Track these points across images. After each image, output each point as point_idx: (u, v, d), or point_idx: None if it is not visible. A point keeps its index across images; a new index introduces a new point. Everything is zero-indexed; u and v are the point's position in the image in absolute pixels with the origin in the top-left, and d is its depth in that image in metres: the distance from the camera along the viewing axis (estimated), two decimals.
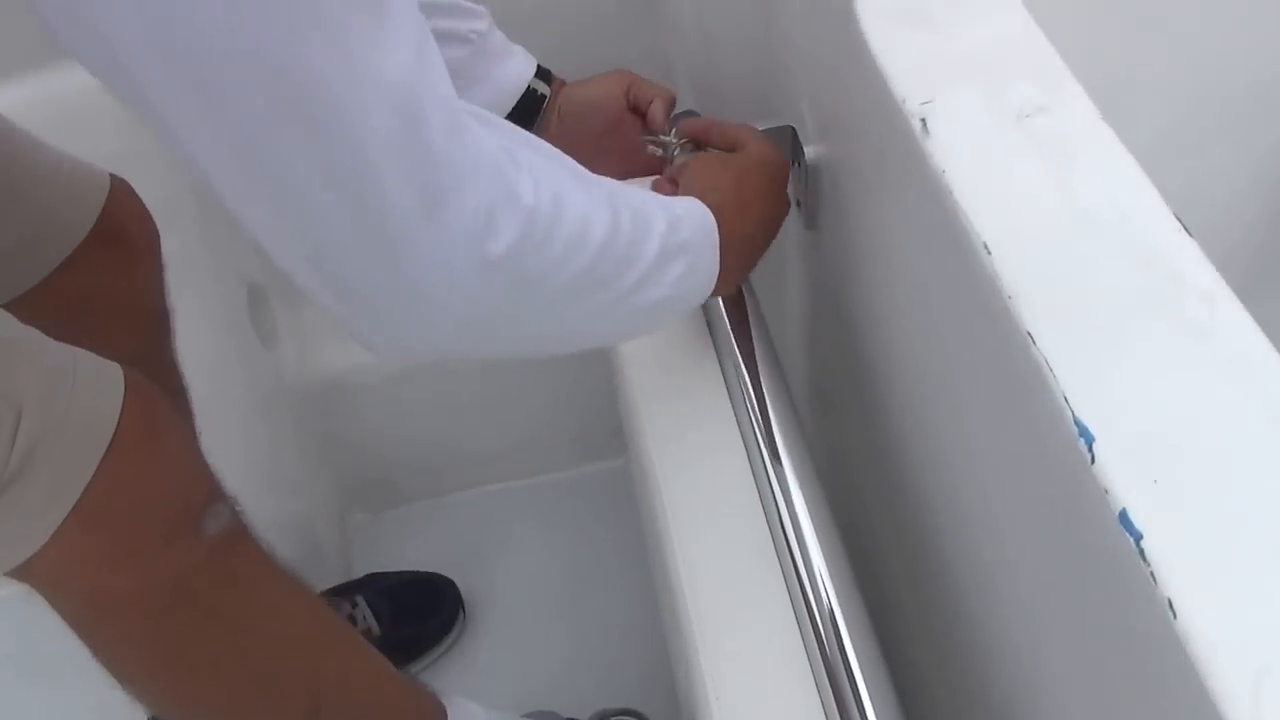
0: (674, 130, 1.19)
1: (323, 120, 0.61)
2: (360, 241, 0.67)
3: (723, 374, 1.08)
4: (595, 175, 0.84)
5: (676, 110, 1.23)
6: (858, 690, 0.85)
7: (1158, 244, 0.67)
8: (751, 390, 1.03)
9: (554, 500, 1.97)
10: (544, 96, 1.24)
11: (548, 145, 0.81)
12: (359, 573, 1.83)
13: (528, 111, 1.24)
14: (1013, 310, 0.66)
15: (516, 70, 1.22)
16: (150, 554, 1.06)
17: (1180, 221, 0.67)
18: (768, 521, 0.96)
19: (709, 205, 0.95)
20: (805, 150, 1.16)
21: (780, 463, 0.97)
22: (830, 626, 0.88)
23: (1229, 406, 0.59)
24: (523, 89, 1.23)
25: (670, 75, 1.44)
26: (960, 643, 0.95)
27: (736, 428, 1.03)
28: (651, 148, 1.20)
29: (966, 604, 0.91)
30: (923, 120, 0.77)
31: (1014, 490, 0.74)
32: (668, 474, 1.01)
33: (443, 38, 1.14)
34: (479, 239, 0.70)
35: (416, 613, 1.74)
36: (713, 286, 0.95)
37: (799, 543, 0.92)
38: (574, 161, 0.83)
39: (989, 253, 0.68)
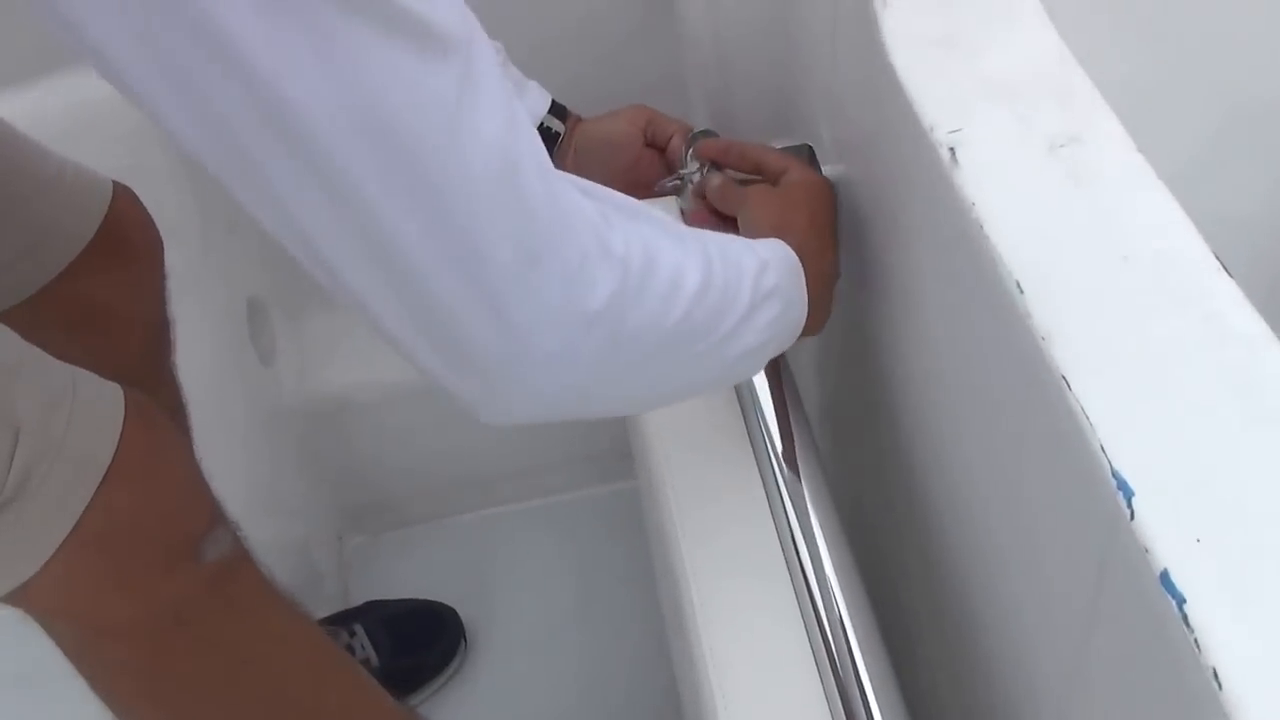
0: (690, 152, 1.17)
1: (427, 180, 0.62)
2: (462, 295, 0.67)
3: (737, 394, 1.05)
4: (685, 226, 0.84)
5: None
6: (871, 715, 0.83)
7: (1198, 284, 0.64)
8: (765, 409, 1.01)
9: (560, 523, 1.93)
10: (558, 134, 1.24)
11: (633, 201, 0.81)
12: (357, 597, 1.80)
13: None
14: (1046, 352, 0.62)
15: (529, 107, 1.22)
16: (149, 581, 1.05)
17: (1220, 261, 0.64)
18: (781, 543, 0.94)
19: (790, 245, 0.93)
20: (823, 170, 1.13)
21: (799, 480, 0.95)
22: (844, 650, 0.85)
23: (1275, 458, 0.56)
24: (534, 126, 1.22)
25: (685, 92, 1.41)
26: (979, 678, 0.91)
27: (750, 447, 1.01)
28: (673, 184, 1.19)
29: (986, 644, 0.87)
30: (951, 149, 0.74)
31: (1044, 542, 0.70)
32: (679, 497, 0.98)
33: None
34: (577, 292, 0.69)
35: (416, 642, 1.70)
36: (802, 327, 0.93)
37: (815, 567, 0.90)
38: (662, 214, 0.82)
39: (1021, 291, 0.65)
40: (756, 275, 0.84)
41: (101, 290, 1.27)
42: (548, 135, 1.24)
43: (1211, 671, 0.49)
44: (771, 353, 0.90)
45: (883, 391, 1.06)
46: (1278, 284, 0.81)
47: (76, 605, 1.03)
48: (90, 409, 0.99)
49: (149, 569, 1.04)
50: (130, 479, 1.00)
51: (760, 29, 1.23)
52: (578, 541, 1.89)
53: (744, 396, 1.04)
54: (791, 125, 1.24)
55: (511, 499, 1.97)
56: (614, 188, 1.16)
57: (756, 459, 1.00)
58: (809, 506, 0.94)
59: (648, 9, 1.51)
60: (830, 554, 0.91)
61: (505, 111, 0.65)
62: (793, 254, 0.92)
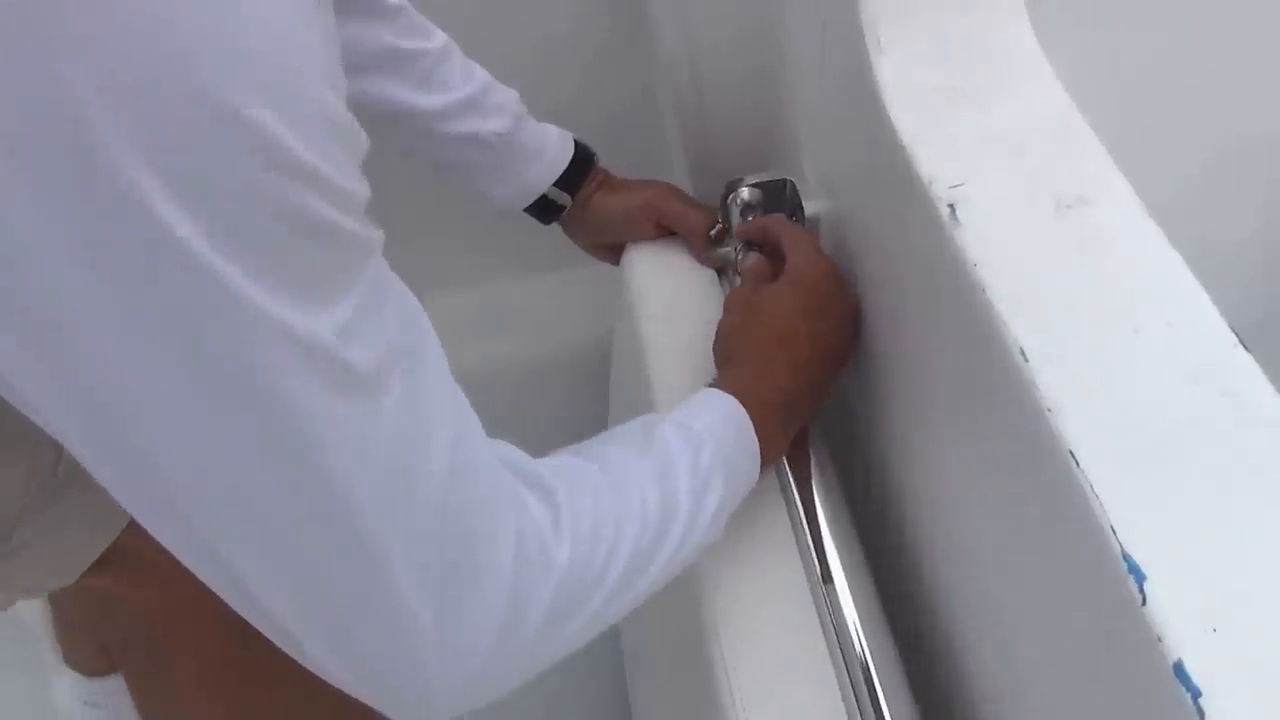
0: (731, 230, 1.16)
1: (368, 539, 0.60)
2: (387, 644, 0.64)
3: None
4: (620, 450, 0.81)
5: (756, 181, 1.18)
6: None
7: (1215, 358, 0.62)
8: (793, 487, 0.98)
9: None
10: (563, 207, 1.24)
11: (577, 465, 0.78)
12: None
13: (545, 210, 1.24)
14: (1053, 425, 0.60)
15: (534, 177, 1.21)
16: None
17: (1237, 335, 0.63)
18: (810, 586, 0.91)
19: (736, 384, 0.90)
20: (804, 207, 1.11)
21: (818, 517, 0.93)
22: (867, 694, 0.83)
23: None
24: (536, 195, 1.22)
25: (660, 121, 1.40)
26: None
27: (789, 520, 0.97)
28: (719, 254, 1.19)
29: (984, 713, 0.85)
30: (951, 206, 0.72)
31: (1049, 628, 0.68)
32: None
33: (463, 141, 1.13)
34: (511, 626, 0.67)
35: None
36: (758, 470, 0.89)
37: (835, 602, 0.88)
38: (604, 453, 0.81)
39: (1026, 359, 0.63)
40: (689, 479, 0.80)
41: None
42: (552, 206, 1.23)
43: None
44: (726, 515, 0.86)
45: (869, 458, 1.03)
46: (1268, 314, 0.79)
47: (168, 560, 0.99)
48: None
49: None
50: None
51: (739, 57, 1.20)
52: None
53: None
54: (772, 159, 1.22)
55: None
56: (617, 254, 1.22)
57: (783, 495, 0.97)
58: (830, 543, 0.92)
59: (622, 35, 1.49)
60: (854, 591, 0.89)
61: (451, 430, 0.63)
62: (731, 408, 0.88)
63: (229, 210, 0.49)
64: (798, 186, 1.12)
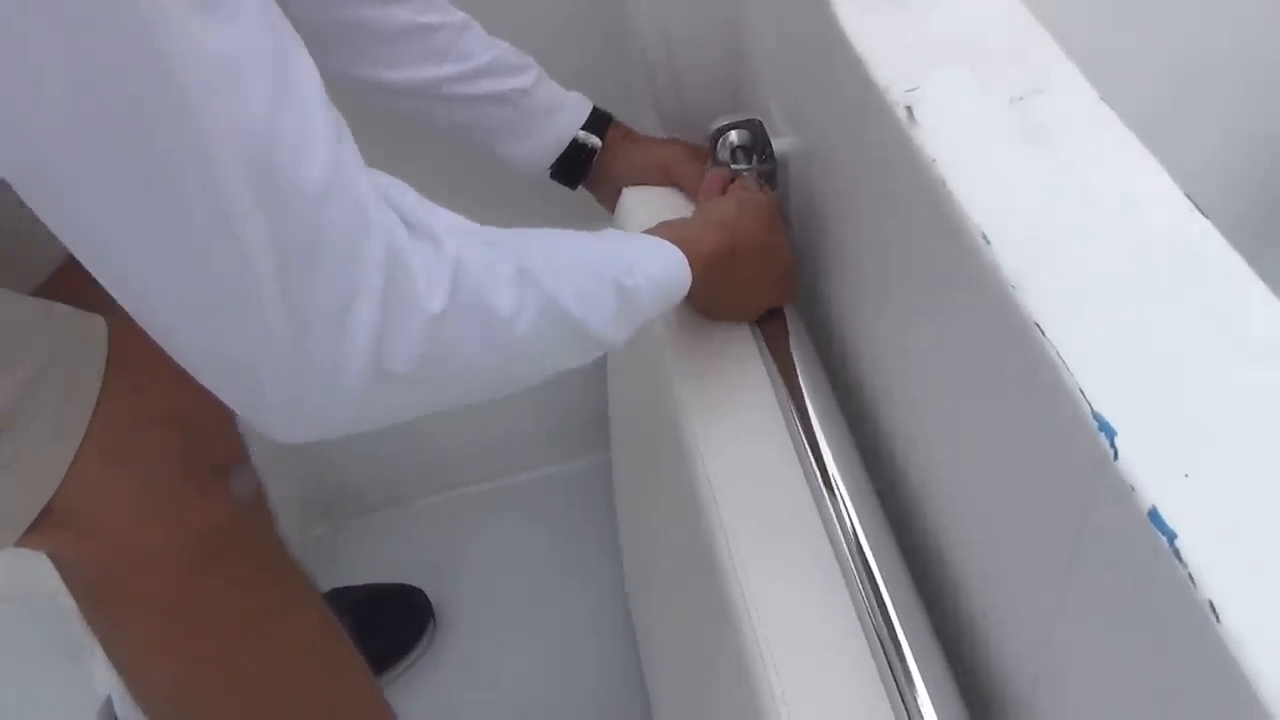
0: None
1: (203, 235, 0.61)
2: (251, 342, 0.65)
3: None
4: (565, 255, 0.83)
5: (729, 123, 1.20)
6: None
7: (1171, 225, 0.64)
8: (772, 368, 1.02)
9: (525, 501, 1.93)
10: (594, 149, 1.26)
11: (491, 234, 0.79)
12: (322, 589, 1.78)
13: (574, 163, 1.26)
14: (1017, 300, 0.62)
15: (561, 126, 1.24)
16: (182, 502, 1.04)
17: (1193, 201, 0.65)
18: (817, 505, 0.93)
19: (703, 239, 0.97)
20: (773, 143, 1.13)
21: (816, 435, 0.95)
22: (879, 610, 0.85)
23: (1261, 391, 0.56)
24: (565, 144, 1.25)
25: (628, 71, 1.41)
26: (963, 639, 0.91)
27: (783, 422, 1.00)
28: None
29: (971, 608, 0.87)
30: (909, 108, 0.74)
31: (1028, 492, 0.70)
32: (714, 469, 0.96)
33: (486, 100, 1.17)
34: (372, 355, 0.67)
35: (383, 624, 1.68)
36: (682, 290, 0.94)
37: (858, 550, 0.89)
38: (549, 242, 0.83)
39: (988, 242, 0.65)
40: (615, 328, 0.85)
41: None
42: (583, 150, 1.25)
43: (1209, 604, 0.49)
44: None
45: (846, 362, 1.05)
46: (1231, 233, 0.80)
47: (108, 523, 1.01)
48: (72, 329, 0.98)
49: (181, 488, 1.03)
50: (134, 385, 0.98)
51: (704, 10, 1.23)
52: (544, 518, 1.90)
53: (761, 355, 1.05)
54: (740, 101, 1.24)
55: (477, 479, 1.96)
56: None
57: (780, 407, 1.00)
58: (833, 463, 0.94)
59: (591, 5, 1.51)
60: (856, 506, 0.91)
61: (330, 151, 0.64)
62: (684, 275, 0.93)
63: None
64: (765, 125, 1.15)
